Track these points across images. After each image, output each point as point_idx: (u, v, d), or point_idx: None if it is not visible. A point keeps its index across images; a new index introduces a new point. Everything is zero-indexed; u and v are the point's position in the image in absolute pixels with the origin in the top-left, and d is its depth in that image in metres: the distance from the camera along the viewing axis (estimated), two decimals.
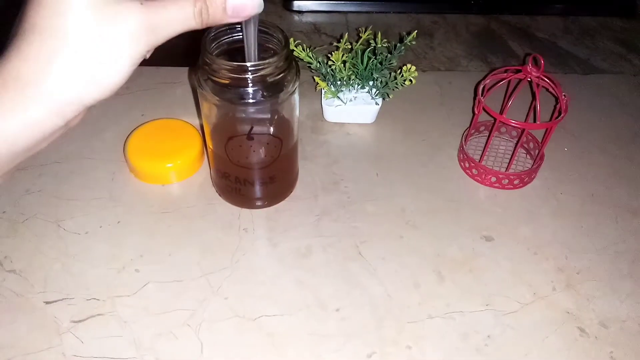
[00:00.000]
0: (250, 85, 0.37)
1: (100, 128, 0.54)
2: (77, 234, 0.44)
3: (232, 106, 0.40)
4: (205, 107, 0.41)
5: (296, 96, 0.41)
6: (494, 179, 0.50)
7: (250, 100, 0.38)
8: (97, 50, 0.27)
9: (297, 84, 0.40)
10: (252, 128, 0.41)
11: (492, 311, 0.40)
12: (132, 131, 0.50)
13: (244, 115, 0.40)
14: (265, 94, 0.38)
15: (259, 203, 0.47)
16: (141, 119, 0.54)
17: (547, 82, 0.47)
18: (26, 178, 0.48)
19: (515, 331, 0.39)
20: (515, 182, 0.49)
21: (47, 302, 0.39)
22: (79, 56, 0.26)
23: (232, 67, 0.36)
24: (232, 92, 0.38)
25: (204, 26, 0.30)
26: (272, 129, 0.42)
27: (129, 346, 0.37)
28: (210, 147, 0.44)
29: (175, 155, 0.49)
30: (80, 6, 0.26)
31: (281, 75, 0.37)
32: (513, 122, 0.46)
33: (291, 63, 0.39)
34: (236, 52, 0.38)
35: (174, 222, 0.46)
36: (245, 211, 0.46)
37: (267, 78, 0.37)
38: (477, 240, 0.45)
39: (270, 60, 0.36)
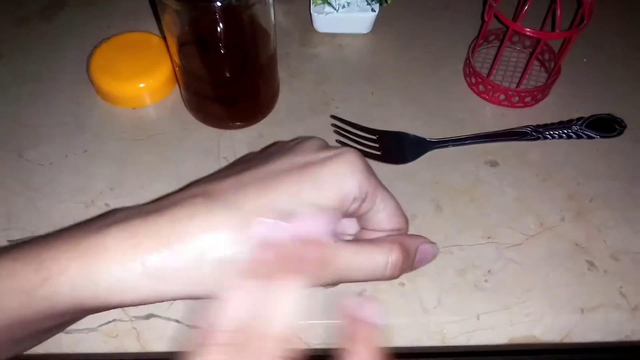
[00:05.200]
0: None
1: (61, 44, 0.48)
2: (41, 165, 0.40)
3: (192, 9, 0.34)
4: (164, 13, 0.35)
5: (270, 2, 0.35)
6: (502, 97, 0.44)
7: (215, 3, 0.32)
8: None
9: None
10: (208, 35, 0.36)
11: (494, 244, 0.37)
12: (95, 47, 0.45)
13: (205, 20, 0.35)
14: None
15: (224, 123, 0.42)
16: (107, 31, 0.48)
17: None
18: None
19: (518, 265, 0.36)
20: (527, 99, 0.44)
21: (10, 241, 0.36)
22: None
23: None
24: None
25: (391, 279, 0.28)
26: (235, 40, 0.36)
27: None
28: (172, 58, 0.39)
29: (147, 74, 0.44)
30: None
31: None
32: (529, 31, 0.40)
33: None
34: None
35: (148, 150, 0.41)
36: (226, 137, 0.42)
37: None
38: (481, 166, 0.41)
39: None
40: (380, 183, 0.29)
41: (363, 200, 0.27)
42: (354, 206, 0.27)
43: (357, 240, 0.30)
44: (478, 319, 0.34)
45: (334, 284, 0.28)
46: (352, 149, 0.28)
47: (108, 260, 0.23)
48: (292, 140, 0.30)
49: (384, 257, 0.27)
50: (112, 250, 0.23)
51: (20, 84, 0.45)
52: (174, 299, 0.25)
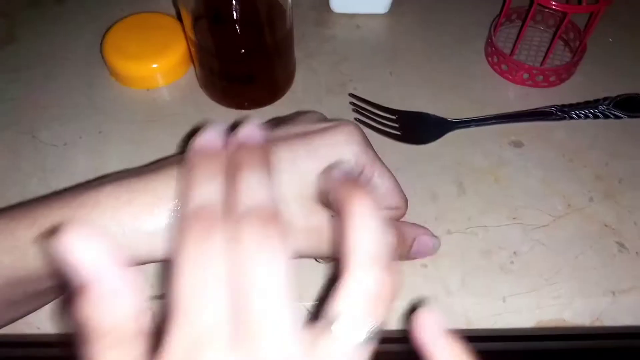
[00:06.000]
0: None
1: (74, 26, 0.48)
2: (55, 146, 0.40)
3: None
4: None
5: None
6: (526, 76, 0.43)
7: None
8: None
9: None
10: (223, 8, 0.35)
11: (520, 225, 0.35)
12: (108, 28, 0.44)
13: None
14: None
15: (239, 103, 0.41)
16: (120, 14, 0.47)
17: None
18: None
19: (545, 247, 0.35)
20: (551, 78, 0.43)
21: None
22: None
23: None
24: None
25: None
26: (250, 14, 0.35)
27: None
28: (187, 34, 0.39)
29: (161, 54, 0.43)
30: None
31: None
32: (554, 4, 0.38)
33: None
34: None
35: (161, 131, 0.41)
36: (241, 119, 0.41)
37: None
38: (505, 146, 0.40)
39: None
40: (378, 158, 0.28)
41: (360, 173, 0.27)
42: None
43: None
44: (504, 301, 0.32)
45: (329, 258, 0.27)
46: (350, 121, 0.27)
47: (102, 215, 0.22)
48: (289, 115, 0.30)
49: None
50: (106, 205, 0.23)
51: (34, 65, 0.44)
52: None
